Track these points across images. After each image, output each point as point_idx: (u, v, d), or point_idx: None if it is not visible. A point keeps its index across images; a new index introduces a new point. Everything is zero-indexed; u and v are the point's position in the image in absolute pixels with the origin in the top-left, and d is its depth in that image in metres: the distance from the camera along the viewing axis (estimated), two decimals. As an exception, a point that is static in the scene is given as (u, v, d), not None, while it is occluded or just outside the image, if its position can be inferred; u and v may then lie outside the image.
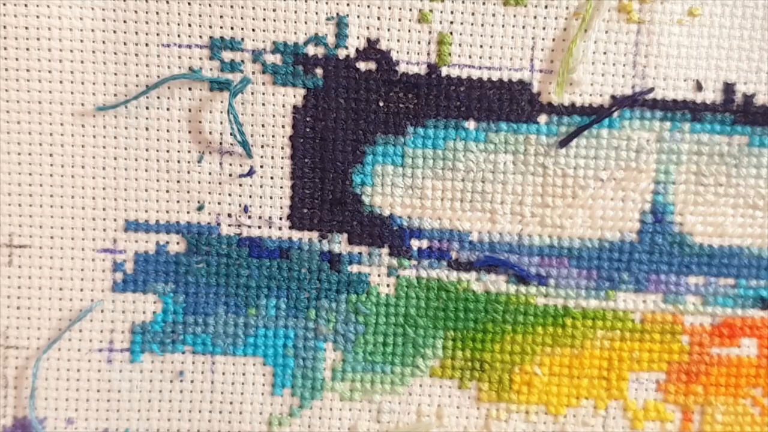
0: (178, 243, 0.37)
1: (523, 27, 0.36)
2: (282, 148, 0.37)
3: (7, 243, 0.37)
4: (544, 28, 0.36)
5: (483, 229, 0.37)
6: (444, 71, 0.36)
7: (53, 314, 0.37)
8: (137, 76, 0.36)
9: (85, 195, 0.37)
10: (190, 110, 0.36)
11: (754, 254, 0.38)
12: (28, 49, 0.35)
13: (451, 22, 0.36)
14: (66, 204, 0.37)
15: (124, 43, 0.35)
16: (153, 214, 0.37)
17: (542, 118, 0.37)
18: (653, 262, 0.38)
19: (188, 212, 0.37)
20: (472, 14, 0.36)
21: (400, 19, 0.36)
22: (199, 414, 0.38)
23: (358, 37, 0.36)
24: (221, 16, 0.35)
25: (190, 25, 0.35)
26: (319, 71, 0.36)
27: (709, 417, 0.39)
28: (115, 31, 0.35)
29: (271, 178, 0.37)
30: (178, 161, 0.36)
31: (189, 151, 0.36)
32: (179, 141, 0.36)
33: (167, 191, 0.37)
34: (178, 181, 0.37)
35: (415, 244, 0.38)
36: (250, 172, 0.37)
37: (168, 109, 0.36)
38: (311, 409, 0.39)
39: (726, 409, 0.39)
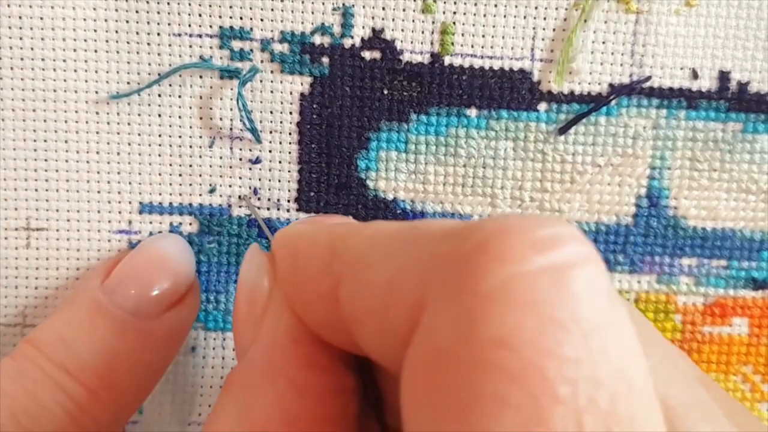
0: (190, 224, 0.38)
1: (524, 17, 0.37)
2: (290, 134, 0.38)
3: (24, 226, 0.38)
4: (544, 18, 0.37)
5: (484, 213, 0.39)
6: (447, 60, 0.37)
7: (70, 294, 0.39)
8: (149, 64, 0.37)
9: (100, 179, 0.38)
10: (201, 97, 0.37)
11: (746, 237, 0.39)
12: (43, 39, 0.36)
13: (454, 13, 0.37)
14: (82, 188, 0.38)
15: (137, 33, 0.36)
16: (166, 196, 0.38)
17: (542, 106, 0.38)
18: (648, 245, 0.39)
19: (200, 195, 0.38)
20: (475, 5, 0.37)
21: (404, 10, 0.37)
22: (210, 389, 0.40)
23: (363, 27, 0.37)
24: (230, 6, 0.36)
25: (200, 15, 0.36)
26: (325, 60, 0.37)
27: (701, 393, 0.40)
28: (127, 21, 0.36)
29: (279, 162, 0.38)
30: (190, 146, 0.38)
31: (200, 137, 0.37)
32: (191, 127, 0.37)
33: (180, 175, 0.38)
34: (191, 165, 0.38)
35: (418, 226, 0.39)
36: (257, 161, 0.38)
37: (180, 97, 0.37)
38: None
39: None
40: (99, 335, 0.33)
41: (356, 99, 0.37)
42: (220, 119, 0.37)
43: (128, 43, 0.36)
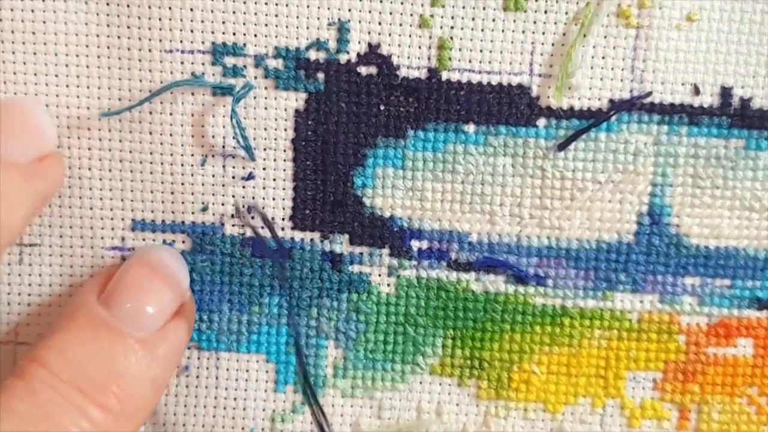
0: (183, 242, 0.38)
1: (523, 32, 0.36)
2: (284, 150, 0.37)
3: (17, 242, 0.38)
4: (543, 33, 0.36)
5: (482, 230, 0.38)
6: (444, 75, 0.37)
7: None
8: (141, 81, 0.36)
9: (92, 196, 0.37)
10: (193, 115, 0.37)
11: (750, 255, 0.38)
12: (35, 54, 0.36)
13: (452, 27, 0.36)
14: (74, 204, 0.37)
15: (128, 49, 0.36)
16: (159, 214, 0.38)
17: (541, 122, 0.37)
18: (650, 263, 0.38)
19: (192, 213, 0.38)
20: (473, 19, 0.36)
21: (401, 24, 0.36)
22: (204, 409, 0.39)
23: (359, 42, 0.36)
24: (223, 22, 0.36)
25: (192, 31, 0.36)
26: (320, 76, 0.37)
27: (706, 415, 0.39)
28: (119, 37, 0.36)
29: (274, 180, 0.37)
30: (182, 164, 0.37)
31: (192, 155, 0.37)
32: (182, 145, 0.37)
33: (172, 193, 0.37)
34: (182, 183, 0.37)
35: (415, 244, 0.38)
36: (250, 176, 0.37)
37: (171, 114, 0.37)
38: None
39: (722, 408, 0.39)
40: (104, 352, 0.33)
41: (352, 115, 0.37)
42: (213, 137, 0.37)
43: (120, 59, 0.36)
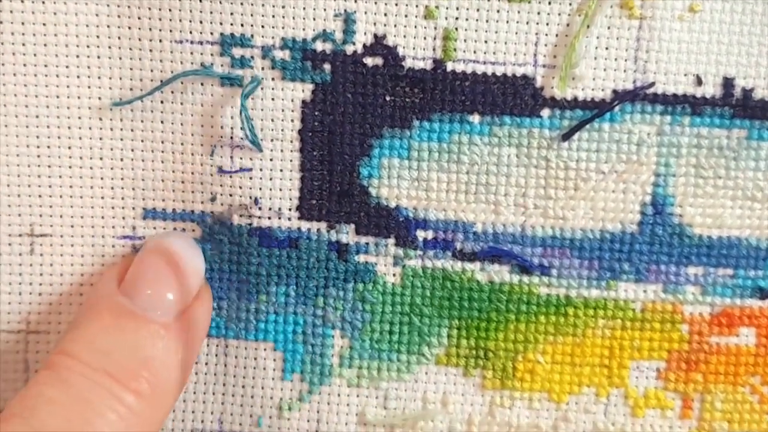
0: (193, 230, 0.38)
1: (527, 23, 0.37)
2: (291, 141, 0.38)
3: (28, 232, 0.38)
4: (547, 24, 0.37)
5: (487, 220, 0.38)
6: (449, 66, 0.37)
7: (75, 299, 0.39)
8: (151, 71, 0.37)
9: (104, 185, 0.38)
10: (202, 105, 0.37)
11: (753, 245, 0.38)
12: (45, 45, 0.36)
13: (457, 18, 0.37)
14: (85, 194, 0.38)
15: (139, 39, 0.36)
16: (169, 203, 0.38)
17: (545, 112, 0.37)
18: (653, 253, 0.38)
19: (202, 202, 0.38)
20: (477, 10, 0.37)
21: (406, 16, 0.37)
22: (212, 396, 0.40)
23: (365, 33, 0.37)
24: (231, 13, 0.36)
25: (201, 22, 0.36)
26: (327, 66, 0.37)
27: (709, 404, 0.39)
28: (129, 28, 0.36)
29: (281, 170, 0.38)
30: (192, 153, 0.38)
31: (201, 145, 0.37)
32: (192, 134, 0.37)
33: (182, 182, 0.38)
34: (192, 173, 0.38)
35: (420, 234, 0.39)
36: (248, 169, 0.38)
37: (181, 104, 0.37)
38: (320, 394, 0.40)
39: (725, 397, 0.39)
40: (130, 339, 0.34)
41: (358, 106, 0.37)
42: (221, 127, 0.37)
43: (130, 49, 0.37)
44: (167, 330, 0.34)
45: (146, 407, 0.33)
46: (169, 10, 0.36)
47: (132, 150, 0.38)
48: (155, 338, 0.34)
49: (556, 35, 0.37)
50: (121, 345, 0.33)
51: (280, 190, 0.38)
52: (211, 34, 0.36)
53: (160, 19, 0.36)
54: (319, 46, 0.37)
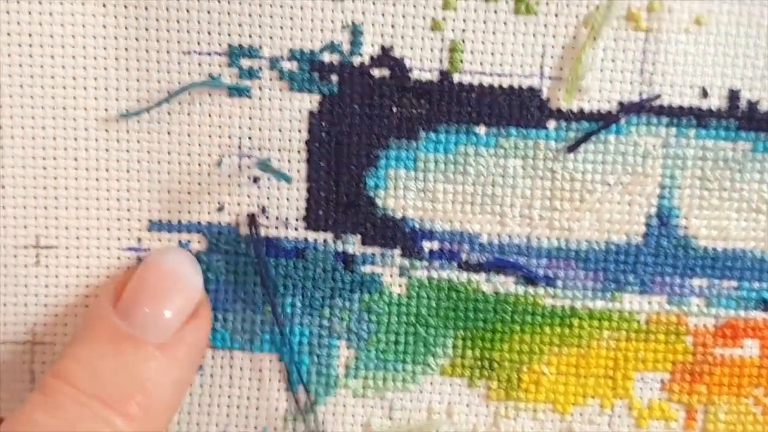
0: (199, 242, 0.38)
1: (534, 35, 0.37)
2: (298, 152, 0.38)
3: (33, 244, 0.38)
4: (553, 36, 0.37)
5: (493, 231, 0.38)
6: (456, 78, 0.37)
7: (80, 311, 0.39)
8: (159, 82, 0.37)
9: (109, 197, 0.38)
10: (210, 115, 0.37)
11: (757, 257, 0.38)
12: (52, 57, 0.36)
13: (463, 30, 0.37)
14: (91, 206, 0.38)
15: (146, 51, 0.36)
16: (175, 214, 0.38)
17: (551, 124, 0.38)
18: (658, 265, 0.39)
19: (209, 213, 0.38)
20: (484, 22, 0.37)
21: (413, 27, 0.37)
22: (218, 408, 0.40)
23: (372, 45, 0.37)
24: (239, 25, 0.36)
25: (209, 33, 0.36)
26: (334, 78, 0.37)
27: (713, 416, 0.40)
28: (137, 39, 0.36)
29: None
30: (199, 164, 0.38)
31: (209, 155, 0.37)
32: (200, 145, 0.37)
33: (189, 193, 0.38)
34: (199, 184, 0.38)
35: (426, 245, 0.39)
36: (256, 180, 0.38)
37: (189, 115, 0.37)
38: (325, 405, 0.40)
39: (729, 409, 0.39)
40: (125, 362, 0.34)
41: (365, 117, 0.37)
42: (229, 137, 0.37)
43: (138, 60, 0.37)
44: (162, 351, 0.34)
45: (137, 429, 0.33)
46: (177, 21, 0.36)
47: (138, 161, 0.38)
48: (150, 360, 0.34)
49: (563, 47, 0.37)
50: (115, 369, 0.33)
51: (287, 200, 0.38)
52: (219, 45, 0.37)
53: (167, 30, 0.36)
54: (326, 57, 0.37)
